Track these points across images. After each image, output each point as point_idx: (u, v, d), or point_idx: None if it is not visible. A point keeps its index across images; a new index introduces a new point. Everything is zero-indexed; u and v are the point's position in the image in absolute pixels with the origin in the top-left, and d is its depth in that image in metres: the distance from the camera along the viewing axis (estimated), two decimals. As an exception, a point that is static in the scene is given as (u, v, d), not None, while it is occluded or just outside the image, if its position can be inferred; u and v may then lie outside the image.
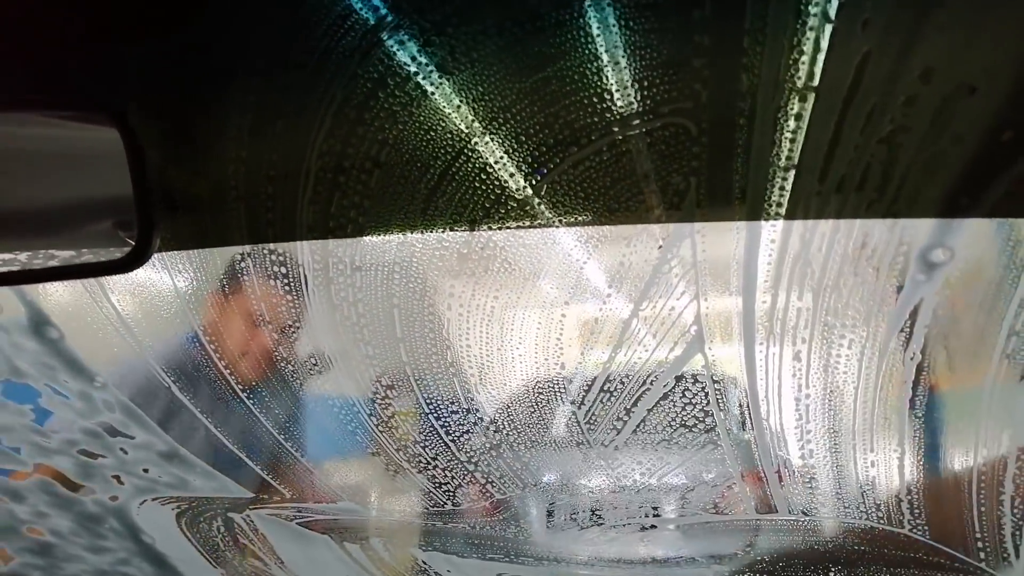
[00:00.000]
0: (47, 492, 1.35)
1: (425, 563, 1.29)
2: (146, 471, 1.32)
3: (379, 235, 1.03)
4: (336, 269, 1.09)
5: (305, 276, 1.12)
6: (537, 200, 0.94)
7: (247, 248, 1.10)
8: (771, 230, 0.94)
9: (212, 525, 1.35)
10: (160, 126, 0.89)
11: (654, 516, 1.18)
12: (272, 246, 1.08)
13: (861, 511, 1.08)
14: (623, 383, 1.09)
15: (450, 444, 1.18)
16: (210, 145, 0.95)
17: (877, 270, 0.95)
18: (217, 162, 0.96)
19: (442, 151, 0.91)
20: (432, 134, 0.91)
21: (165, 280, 1.17)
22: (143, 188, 0.80)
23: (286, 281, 1.13)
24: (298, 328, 1.18)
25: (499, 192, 0.94)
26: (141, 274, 1.17)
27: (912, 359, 0.99)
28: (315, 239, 1.05)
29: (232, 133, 0.92)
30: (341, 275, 1.10)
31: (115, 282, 1.20)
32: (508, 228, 1.00)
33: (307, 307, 1.14)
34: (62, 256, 1.07)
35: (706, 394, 1.07)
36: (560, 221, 0.97)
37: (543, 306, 1.09)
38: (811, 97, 0.80)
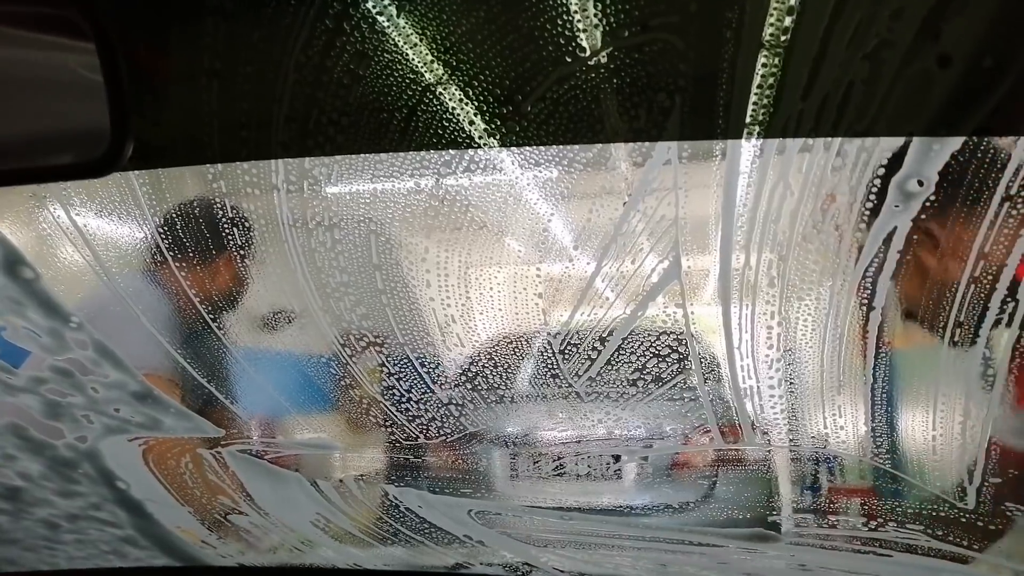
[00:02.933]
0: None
1: (397, 499, 1.29)
2: (117, 411, 1.29)
3: (358, 154, 1.01)
4: (311, 191, 1.07)
5: (279, 201, 1.09)
6: (520, 120, 0.93)
7: (220, 168, 1.07)
8: (752, 150, 0.94)
9: (180, 462, 1.34)
10: (133, 34, 0.86)
11: (624, 448, 1.19)
12: (246, 166, 1.06)
13: (826, 440, 1.11)
14: (597, 313, 1.09)
15: (424, 376, 1.18)
16: (183, 56, 0.92)
17: (854, 196, 0.96)
18: (190, 74, 0.93)
19: (424, 67, 0.89)
20: (415, 48, 0.89)
21: (129, 200, 1.13)
22: (116, 93, 0.78)
23: (259, 205, 1.10)
24: (273, 256, 1.15)
25: (481, 113, 0.93)
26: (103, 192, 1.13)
27: (885, 285, 1.00)
28: (291, 158, 1.02)
29: (206, 43, 0.89)
30: (316, 198, 1.07)
31: (87, 220, 1.16)
32: (489, 148, 0.98)
33: (281, 233, 1.12)
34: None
35: (680, 322, 1.08)
36: (541, 142, 0.96)
37: (522, 237, 1.08)
38: (799, 9, 0.79)
